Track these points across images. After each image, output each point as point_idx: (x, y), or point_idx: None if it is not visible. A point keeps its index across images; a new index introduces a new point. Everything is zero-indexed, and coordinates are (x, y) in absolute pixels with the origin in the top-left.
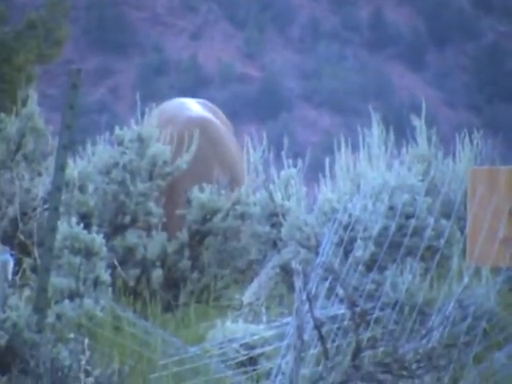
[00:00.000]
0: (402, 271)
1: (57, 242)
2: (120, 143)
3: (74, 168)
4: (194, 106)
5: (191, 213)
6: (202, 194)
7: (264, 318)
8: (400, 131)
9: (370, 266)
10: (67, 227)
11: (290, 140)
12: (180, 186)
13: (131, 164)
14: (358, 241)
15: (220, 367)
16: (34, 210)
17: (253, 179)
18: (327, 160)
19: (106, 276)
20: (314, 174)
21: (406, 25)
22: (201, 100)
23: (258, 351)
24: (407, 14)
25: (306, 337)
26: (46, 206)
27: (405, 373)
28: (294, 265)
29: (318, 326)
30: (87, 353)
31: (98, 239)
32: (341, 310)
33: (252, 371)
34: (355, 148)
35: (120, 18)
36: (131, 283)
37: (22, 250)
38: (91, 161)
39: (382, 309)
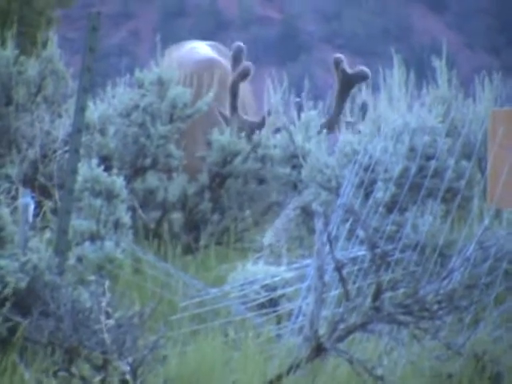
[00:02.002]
0: (423, 213)
1: (77, 185)
2: (140, 86)
3: (95, 110)
4: (204, 49)
5: (211, 155)
6: (221, 137)
7: (284, 260)
8: (420, 73)
9: (390, 207)
10: (88, 169)
11: (310, 82)
12: (199, 128)
13: (151, 106)
14: (379, 182)
15: (240, 309)
16: (55, 152)
17: (273, 121)
18: (348, 102)
19: (126, 218)
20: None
21: None
22: (212, 42)
23: (278, 293)
24: None
25: (326, 278)
26: (67, 149)
27: (425, 314)
28: (315, 207)
29: (338, 268)
30: (108, 295)
31: (118, 181)
32: (361, 251)
33: (272, 313)
34: (376, 90)
35: None
36: (152, 226)
37: (43, 192)
38: (111, 103)
39: (402, 250)
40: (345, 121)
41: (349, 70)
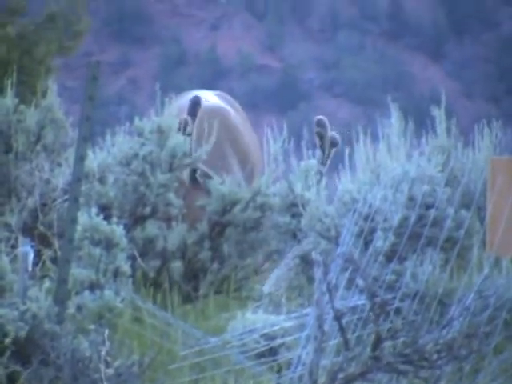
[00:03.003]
0: (422, 262)
1: (77, 233)
2: (140, 134)
3: (94, 159)
4: (211, 98)
5: (211, 204)
6: (221, 186)
7: (284, 309)
8: (419, 122)
9: (390, 256)
10: (87, 218)
11: (309, 131)
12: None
13: (151, 155)
14: (378, 231)
15: (240, 358)
16: (54, 201)
17: (273, 170)
18: (347, 150)
19: (126, 267)
20: (334, 164)
21: (425, 14)
22: (217, 92)
23: (278, 342)
24: (426, 4)
25: (326, 327)
26: (66, 197)
27: (425, 363)
28: (314, 255)
29: (338, 317)
30: (107, 344)
31: (118, 230)
32: (361, 300)
33: (272, 362)
34: (375, 139)
35: (139, 9)
36: (151, 274)
37: (42, 241)
38: (111, 152)
39: (402, 299)
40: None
41: (325, 134)
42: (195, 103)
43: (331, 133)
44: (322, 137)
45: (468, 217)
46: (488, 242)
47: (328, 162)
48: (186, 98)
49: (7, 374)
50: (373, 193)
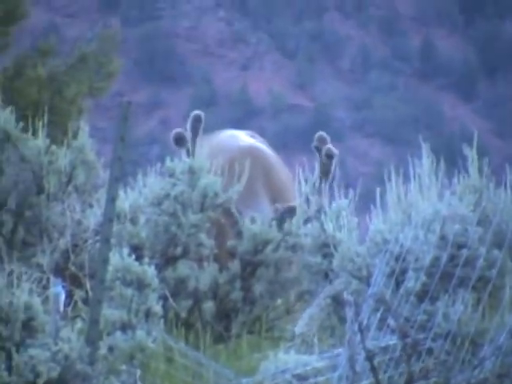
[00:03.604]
0: (454, 302)
1: (108, 274)
2: (171, 175)
3: (125, 199)
4: (243, 137)
5: (242, 244)
6: (253, 225)
7: (316, 349)
8: (451, 161)
9: (421, 296)
10: (119, 259)
11: (341, 170)
12: (231, 216)
13: (182, 195)
14: (410, 271)
15: None
16: (86, 241)
17: (304, 210)
18: (378, 190)
19: (157, 307)
20: (366, 204)
21: (456, 54)
22: (248, 131)
23: (310, 382)
24: (458, 44)
25: (357, 368)
26: (98, 238)
27: None
28: (346, 296)
29: (369, 357)
30: None
31: (149, 271)
32: (392, 340)
33: None
34: (406, 178)
35: (171, 49)
36: (183, 314)
37: (74, 281)
38: (142, 192)
39: (433, 339)
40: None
41: (328, 150)
42: (196, 120)
43: (327, 146)
44: (319, 150)
45: (500, 256)
46: None
47: (330, 176)
48: (223, 135)
49: None
50: (404, 233)
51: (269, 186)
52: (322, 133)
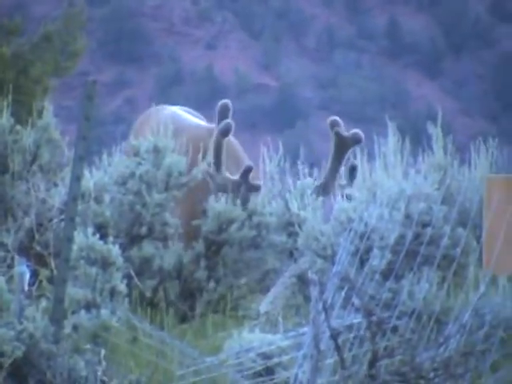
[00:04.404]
0: (419, 280)
1: (73, 253)
2: (136, 154)
3: (90, 179)
4: (187, 115)
5: (207, 223)
6: (217, 204)
7: (280, 328)
8: (416, 140)
9: (386, 274)
10: (83, 238)
11: (306, 149)
12: (195, 196)
13: (147, 174)
14: (375, 250)
15: (237, 377)
16: (50, 220)
17: (269, 189)
18: (343, 169)
19: (122, 286)
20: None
21: (422, 33)
22: (184, 108)
23: (274, 361)
24: (423, 22)
25: (322, 346)
26: (62, 217)
27: (422, 382)
28: (310, 274)
29: (334, 336)
30: (104, 363)
31: (114, 250)
32: (357, 319)
33: (269, 381)
34: (371, 157)
35: (136, 29)
36: (148, 294)
37: (39, 260)
38: (107, 171)
39: (398, 318)
40: (339, 184)
41: (344, 133)
42: (225, 108)
43: (354, 130)
44: (339, 136)
45: (464, 235)
46: (484, 260)
47: (343, 162)
48: (166, 113)
49: None
50: (369, 211)
51: (234, 166)
52: (334, 117)
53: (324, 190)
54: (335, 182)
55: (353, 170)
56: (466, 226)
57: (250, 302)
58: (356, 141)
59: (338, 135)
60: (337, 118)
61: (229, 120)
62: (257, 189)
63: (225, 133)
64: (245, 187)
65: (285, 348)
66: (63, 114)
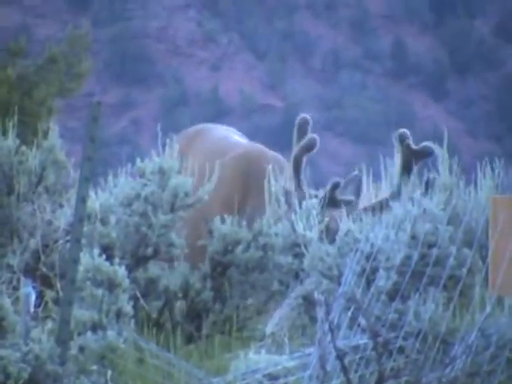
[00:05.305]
0: (425, 300)
1: (79, 274)
2: (141, 175)
3: (96, 200)
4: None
5: (213, 244)
6: (223, 225)
7: (287, 349)
8: (422, 161)
9: (392, 295)
10: (89, 259)
11: (312, 170)
12: (202, 217)
13: (153, 196)
14: (380, 270)
15: None
16: (56, 242)
17: (275, 210)
18: (349, 189)
19: (128, 308)
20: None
21: (427, 54)
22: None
23: (280, 382)
24: (428, 43)
25: (328, 367)
26: (68, 238)
27: None
28: (316, 295)
29: (340, 357)
30: None
31: (120, 271)
32: (363, 339)
33: None
34: (377, 178)
35: (141, 50)
36: (154, 315)
37: (44, 282)
38: (113, 193)
39: (404, 338)
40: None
41: (413, 147)
42: (304, 122)
43: (424, 143)
44: (409, 149)
45: (470, 255)
46: (490, 280)
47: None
48: (185, 136)
49: None
50: (375, 232)
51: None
52: (403, 130)
53: (392, 202)
54: (404, 196)
55: (428, 184)
56: (472, 246)
57: (256, 323)
58: (426, 154)
59: (408, 148)
60: (406, 131)
61: (314, 135)
62: (349, 203)
63: (310, 148)
64: (330, 203)
65: (291, 369)
66: (68, 135)
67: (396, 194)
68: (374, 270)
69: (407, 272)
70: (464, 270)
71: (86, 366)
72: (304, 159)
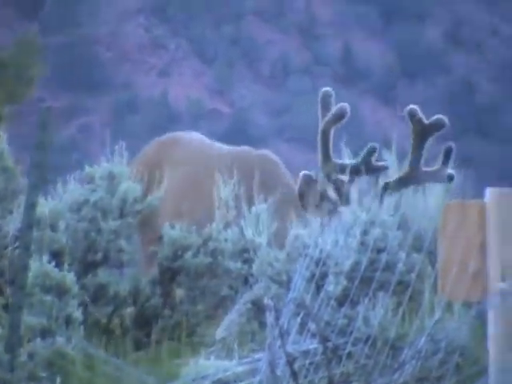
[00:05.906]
0: (374, 306)
1: (28, 280)
2: (90, 181)
3: (45, 206)
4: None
5: (162, 249)
6: (172, 231)
7: (236, 354)
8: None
9: (341, 300)
10: (39, 265)
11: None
12: (153, 223)
13: (102, 201)
14: (330, 276)
15: None
16: (5, 248)
17: (224, 215)
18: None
19: (77, 314)
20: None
21: (376, 59)
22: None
23: None
24: (377, 48)
25: (278, 372)
26: (17, 244)
27: None
28: (266, 300)
29: (290, 362)
30: None
31: (69, 277)
32: (313, 345)
33: None
34: None
35: (90, 56)
36: (103, 321)
37: None
38: (62, 199)
39: (354, 343)
40: (424, 170)
41: (425, 120)
42: (328, 96)
43: (436, 116)
44: (421, 123)
45: (419, 261)
46: (440, 285)
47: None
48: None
49: None
50: (324, 237)
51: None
52: (412, 106)
53: (407, 180)
54: (420, 171)
55: (448, 152)
56: (421, 251)
57: (206, 329)
58: (439, 126)
59: (419, 123)
60: (415, 107)
61: (344, 103)
62: (384, 168)
63: (341, 116)
64: (366, 169)
65: (241, 374)
66: (18, 141)
67: (412, 171)
68: (324, 276)
69: (356, 277)
70: (413, 276)
71: (36, 373)
72: (332, 131)
